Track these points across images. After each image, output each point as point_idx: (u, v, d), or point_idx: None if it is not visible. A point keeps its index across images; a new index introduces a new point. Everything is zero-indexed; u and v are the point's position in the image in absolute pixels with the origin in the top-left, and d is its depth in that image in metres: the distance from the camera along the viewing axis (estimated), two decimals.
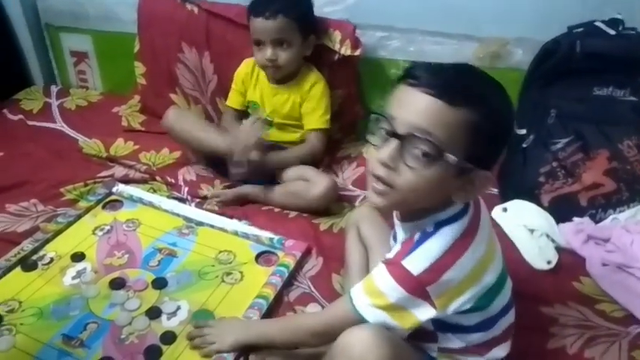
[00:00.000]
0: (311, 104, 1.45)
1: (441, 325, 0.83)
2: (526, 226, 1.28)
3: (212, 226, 1.29)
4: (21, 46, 1.90)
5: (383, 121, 0.75)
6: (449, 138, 0.70)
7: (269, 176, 1.42)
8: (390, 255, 0.81)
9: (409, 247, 0.77)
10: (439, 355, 0.86)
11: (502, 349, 0.87)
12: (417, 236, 0.78)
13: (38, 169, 1.48)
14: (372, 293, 0.78)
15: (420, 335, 0.84)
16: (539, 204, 1.33)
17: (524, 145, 1.38)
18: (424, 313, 0.77)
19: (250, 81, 1.50)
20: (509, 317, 0.88)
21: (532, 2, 1.43)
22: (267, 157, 1.38)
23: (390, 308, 0.77)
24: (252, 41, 1.41)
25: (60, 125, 1.72)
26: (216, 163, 1.47)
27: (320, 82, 1.46)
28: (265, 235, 1.25)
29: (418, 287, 0.75)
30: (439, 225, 0.77)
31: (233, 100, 1.53)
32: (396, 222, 0.87)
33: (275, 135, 1.47)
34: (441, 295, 0.76)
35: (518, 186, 1.38)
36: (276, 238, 1.24)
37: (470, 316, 0.80)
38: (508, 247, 1.24)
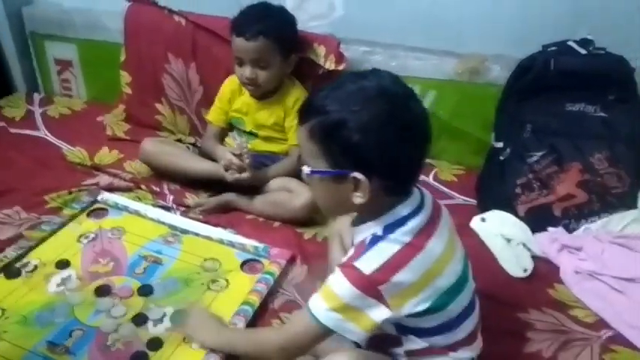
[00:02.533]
0: (295, 120, 1.46)
1: (403, 329, 0.85)
2: (503, 235, 1.33)
3: (197, 235, 1.31)
4: (4, 53, 1.90)
5: None
6: (305, 153, 0.81)
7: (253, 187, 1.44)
8: (344, 259, 0.83)
9: (361, 250, 0.80)
10: None
11: (470, 350, 0.89)
12: (368, 239, 0.81)
13: (21, 177, 1.48)
14: (327, 296, 0.81)
15: (386, 341, 0.86)
16: (516, 214, 1.39)
17: (501, 158, 1.43)
18: (378, 313, 0.78)
19: (235, 97, 1.51)
20: (473, 319, 0.89)
21: (509, 21, 1.50)
22: (256, 175, 1.39)
23: (345, 310, 0.79)
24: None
25: (43, 133, 1.72)
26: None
27: (303, 97, 1.46)
28: (250, 243, 1.27)
29: (370, 286, 0.77)
30: (388, 228, 0.80)
31: (216, 118, 1.54)
32: (351, 228, 0.90)
33: (261, 146, 1.50)
34: (393, 295, 0.78)
35: (495, 197, 1.43)
36: (261, 246, 1.26)
37: (428, 318, 0.82)
38: (486, 255, 1.29)
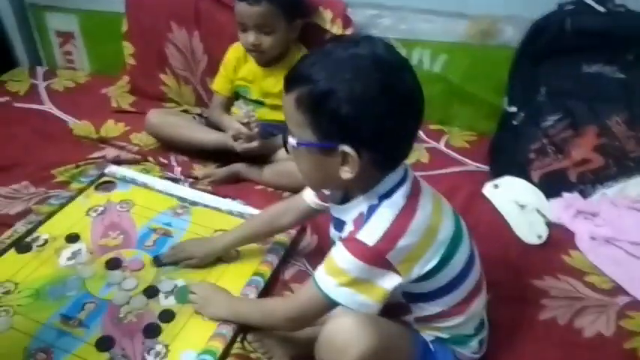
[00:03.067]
0: None
1: (411, 296, 0.84)
2: (517, 201, 1.30)
3: (206, 206, 1.29)
4: (4, 26, 1.86)
5: None
6: (292, 123, 0.77)
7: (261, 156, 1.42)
8: (344, 234, 0.82)
9: (360, 222, 0.79)
10: (420, 327, 0.87)
11: (481, 300, 0.88)
12: (365, 211, 0.79)
13: (28, 151, 1.47)
14: (335, 272, 0.79)
15: (394, 309, 0.85)
16: (530, 180, 1.36)
17: (514, 122, 1.40)
18: (389, 281, 0.77)
19: (240, 64, 1.48)
20: (477, 269, 0.88)
21: None
22: (265, 143, 1.37)
23: (355, 283, 0.77)
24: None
25: (48, 107, 1.70)
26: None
27: None
28: None
29: (377, 257, 0.76)
30: (383, 197, 0.79)
31: (221, 87, 1.51)
32: (333, 207, 0.88)
33: (268, 115, 1.47)
34: (402, 260, 0.77)
35: (508, 162, 1.40)
36: None
37: (435, 280, 0.81)
38: (499, 222, 1.27)
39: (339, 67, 0.72)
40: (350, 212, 0.82)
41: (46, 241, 1.18)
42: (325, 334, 0.79)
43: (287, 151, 0.81)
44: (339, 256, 0.78)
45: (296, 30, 1.42)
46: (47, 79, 1.84)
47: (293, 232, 1.21)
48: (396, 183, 0.79)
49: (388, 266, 0.77)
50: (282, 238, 1.19)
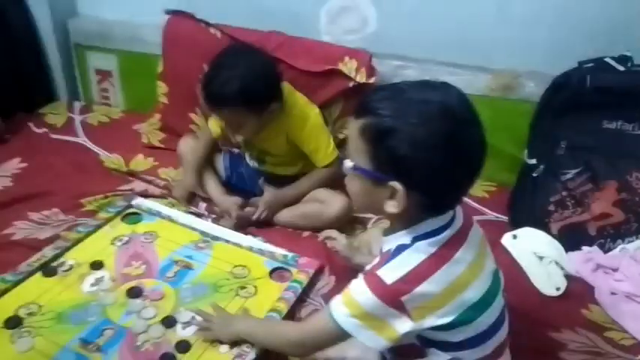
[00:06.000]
0: (312, 144, 1.41)
1: (427, 341, 0.83)
2: (536, 253, 1.30)
3: (227, 242, 1.32)
4: (49, 63, 1.97)
5: None
6: (352, 147, 0.79)
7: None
8: (368, 267, 0.82)
9: (386, 258, 0.79)
10: None
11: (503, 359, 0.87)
12: (394, 248, 0.80)
13: (60, 181, 1.53)
14: (349, 303, 0.80)
15: (408, 352, 0.84)
16: (549, 232, 1.36)
17: (534, 175, 1.41)
18: (401, 324, 0.77)
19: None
20: (500, 336, 0.86)
21: (544, 37, 1.50)
22: (282, 193, 1.39)
23: (367, 318, 0.78)
24: None
25: (82, 140, 1.78)
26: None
27: (309, 118, 1.39)
28: (279, 251, 1.28)
29: (392, 297, 0.76)
30: (416, 239, 0.79)
31: (216, 130, 1.49)
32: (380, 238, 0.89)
33: (274, 169, 1.48)
34: (416, 306, 0.76)
35: (528, 214, 1.40)
36: (290, 255, 1.27)
37: (453, 332, 0.80)
38: (517, 272, 1.27)
39: (407, 108, 0.73)
40: (386, 244, 0.83)
41: (71, 267, 1.21)
42: None
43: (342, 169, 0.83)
44: (357, 288, 0.79)
45: (274, 111, 1.33)
46: (83, 114, 1.93)
47: (311, 271, 1.22)
48: (435, 228, 0.79)
49: (402, 309, 0.76)
50: (300, 276, 1.20)
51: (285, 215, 1.43)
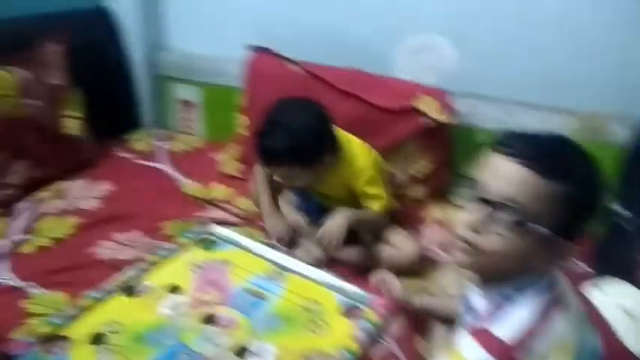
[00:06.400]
0: (367, 192, 1.39)
1: None
2: (624, 307, 1.21)
3: (300, 274, 1.33)
4: (139, 93, 2.11)
5: (475, 186, 0.77)
6: (538, 209, 0.72)
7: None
8: (475, 323, 0.79)
9: (495, 314, 0.76)
10: None
11: None
12: (499, 301, 0.77)
13: (143, 205, 1.60)
14: None
15: None
16: (638, 286, 1.27)
17: (627, 228, 1.33)
18: None
19: None
20: None
21: (633, 77, 1.43)
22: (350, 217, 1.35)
23: None
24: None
25: (164, 166, 1.86)
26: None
27: (365, 168, 1.37)
28: (352, 288, 1.27)
29: (506, 355, 0.72)
30: (520, 289, 0.76)
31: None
32: (473, 288, 0.85)
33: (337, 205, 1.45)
34: None
35: (615, 266, 1.32)
36: (362, 292, 1.25)
37: None
38: (604, 327, 1.18)
39: (594, 167, 0.75)
40: (486, 297, 0.80)
41: (150, 289, 1.26)
42: None
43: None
44: (468, 348, 0.76)
45: (330, 163, 1.34)
46: (166, 141, 2.03)
47: (384, 311, 1.20)
48: (550, 281, 0.78)
49: None
50: (374, 317, 1.18)
51: (354, 253, 1.42)
